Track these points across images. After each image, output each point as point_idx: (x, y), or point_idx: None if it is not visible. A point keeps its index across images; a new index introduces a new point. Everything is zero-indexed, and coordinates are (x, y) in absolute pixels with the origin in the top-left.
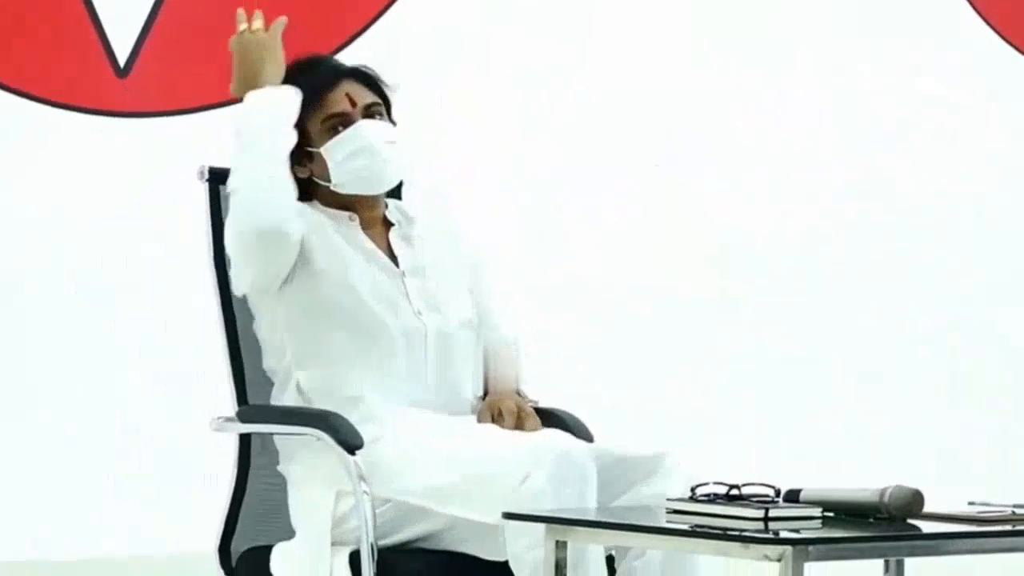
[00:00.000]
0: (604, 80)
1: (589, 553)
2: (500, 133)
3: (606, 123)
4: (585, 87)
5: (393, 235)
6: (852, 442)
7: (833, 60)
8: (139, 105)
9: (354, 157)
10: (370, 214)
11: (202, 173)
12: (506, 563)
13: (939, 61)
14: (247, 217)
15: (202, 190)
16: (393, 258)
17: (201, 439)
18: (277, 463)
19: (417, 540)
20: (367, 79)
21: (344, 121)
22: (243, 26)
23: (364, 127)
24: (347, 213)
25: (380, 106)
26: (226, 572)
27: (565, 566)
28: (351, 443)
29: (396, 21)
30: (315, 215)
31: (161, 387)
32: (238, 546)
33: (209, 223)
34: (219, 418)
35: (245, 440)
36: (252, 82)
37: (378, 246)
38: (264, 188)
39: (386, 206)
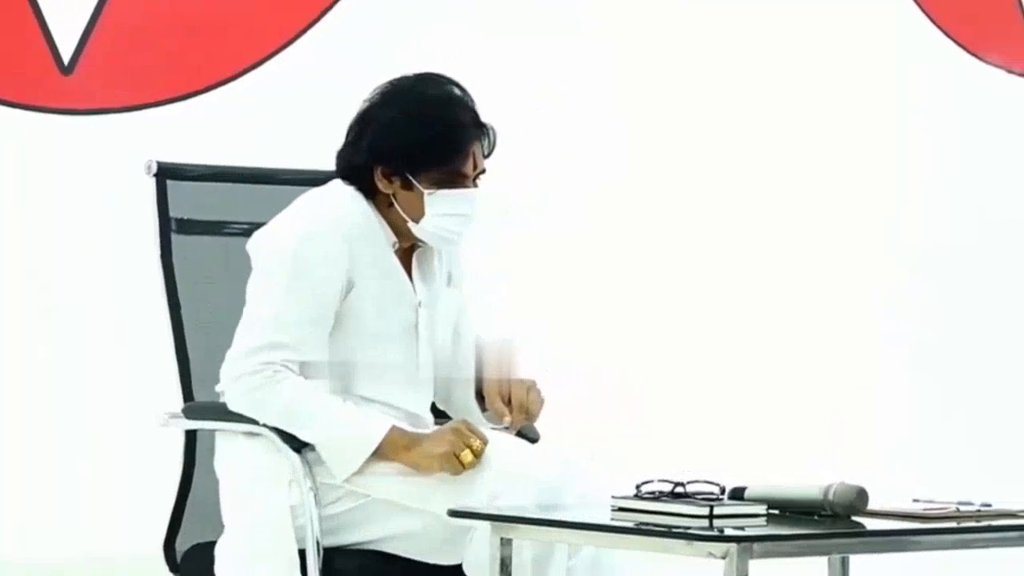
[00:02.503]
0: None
1: (555, 556)
2: None
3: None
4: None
5: (415, 260)
6: (797, 439)
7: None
8: (84, 102)
9: (450, 218)
10: (408, 242)
11: (149, 167)
12: (454, 567)
13: (889, 62)
14: (248, 412)
15: (150, 185)
16: (411, 282)
17: (149, 436)
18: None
19: (369, 542)
20: (488, 138)
21: (459, 180)
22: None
23: (476, 199)
24: (395, 238)
25: (484, 172)
26: (171, 569)
27: (510, 564)
28: (296, 441)
29: (343, 17)
30: (368, 232)
31: (108, 385)
32: (183, 543)
33: (156, 218)
34: (166, 413)
35: (191, 436)
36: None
37: (401, 262)
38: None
39: None
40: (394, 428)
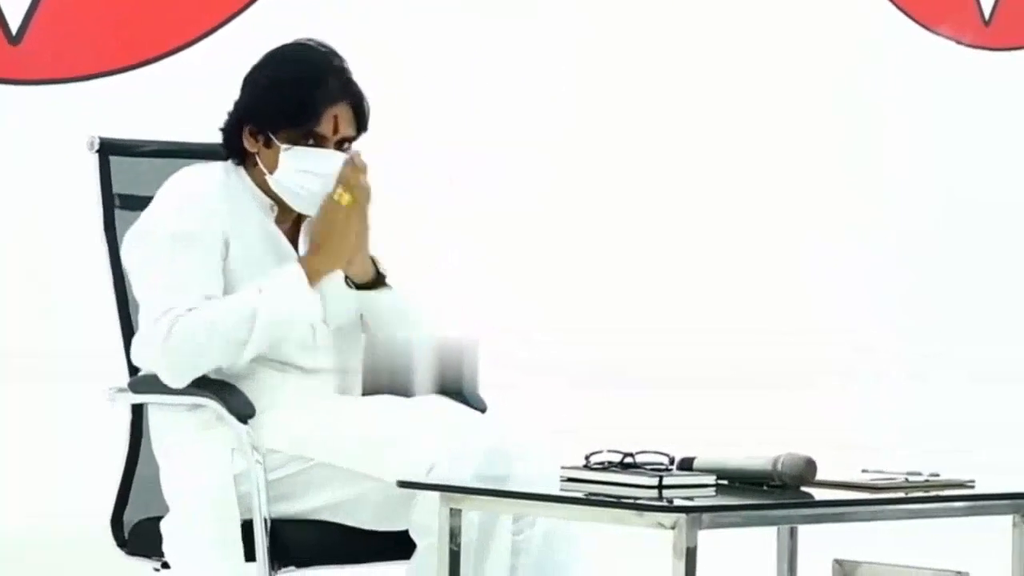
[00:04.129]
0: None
1: (497, 529)
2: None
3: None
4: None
5: (303, 231)
6: (747, 409)
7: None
8: (32, 72)
9: (305, 175)
10: (289, 212)
11: (92, 144)
12: (399, 533)
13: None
14: (191, 368)
15: (92, 161)
16: (296, 246)
17: (95, 410)
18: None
19: (314, 511)
20: (358, 106)
21: (318, 141)
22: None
23: (327, 157)
24: (270, 202)
25: (353, 139)
26: (119, 543)
27: (459, 534)
28: (243, 412)
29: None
30: (238, 202)
31: (51, 360)
32: (131, 517)
33: (100, 193)
34: (111, 388)
35: (137, 410)
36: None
37: (285, 233)
38: (229, 361)
39: None
40: (299, 262)
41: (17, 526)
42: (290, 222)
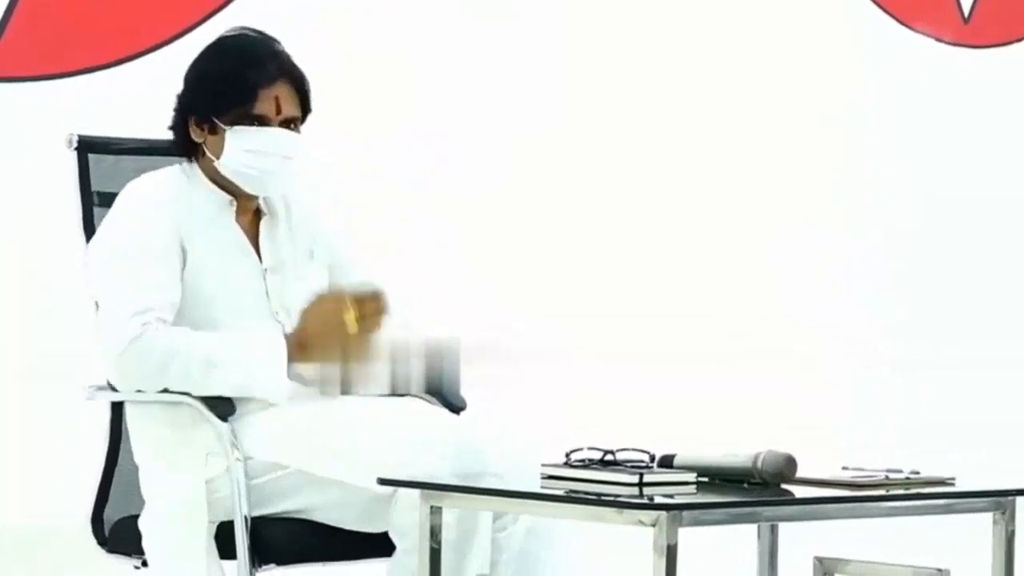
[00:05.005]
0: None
1: (480, 526)
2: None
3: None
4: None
5: (262, 227)
6: (727, 407)
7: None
8: (11, 70)
9: (250, 155)
10: (246, 202)
11: (71, 141)
12: (381, 534)
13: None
14: (141, 377)
15: (71, 158)
16: (258, 248)
17: (75, 409)
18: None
19: (295, 512)
20: (299, 87)
21: (262, 122)
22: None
23: (273, 136)
24: (228, 197)
25: (298, 120)
26: (99, 542)
27: (440, 531)
28: (223, 411)
29: None
30: (195, 200)
31: (54, 359)
32: (111, 515)
33: (78, 191)
34: (91, 387)
35: (117, 409)
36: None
37: (246, 233)
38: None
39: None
40: (285, 339)
41: (17, 525)
42: (251, 214)
